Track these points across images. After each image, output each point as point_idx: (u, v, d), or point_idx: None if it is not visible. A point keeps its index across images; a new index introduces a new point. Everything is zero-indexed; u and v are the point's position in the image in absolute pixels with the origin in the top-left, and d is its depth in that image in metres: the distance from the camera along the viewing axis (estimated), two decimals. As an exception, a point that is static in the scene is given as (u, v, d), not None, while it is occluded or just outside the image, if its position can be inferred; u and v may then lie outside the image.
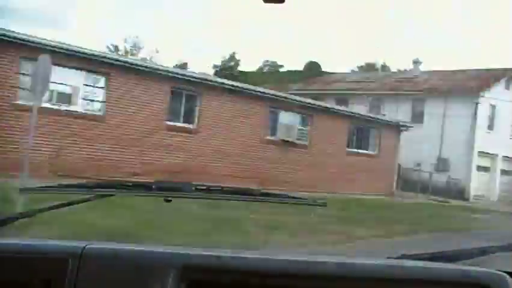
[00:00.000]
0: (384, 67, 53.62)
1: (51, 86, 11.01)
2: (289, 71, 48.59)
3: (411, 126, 25.29)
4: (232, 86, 18.63)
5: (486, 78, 30.57)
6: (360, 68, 56.06)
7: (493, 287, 1.24)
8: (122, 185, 1.89)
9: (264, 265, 1.30)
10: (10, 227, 1.63)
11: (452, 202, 24.09)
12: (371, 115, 25.39)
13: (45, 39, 13.83)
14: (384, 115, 27.30)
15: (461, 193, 28.20)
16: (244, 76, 39.66)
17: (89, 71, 15.01)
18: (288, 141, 19.70)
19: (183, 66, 42.65)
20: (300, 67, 49.40)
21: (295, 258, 1.36)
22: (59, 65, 12.40)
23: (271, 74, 49.86)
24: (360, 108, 27.25)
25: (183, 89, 17.00)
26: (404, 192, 23.66)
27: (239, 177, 15.10)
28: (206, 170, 15.68)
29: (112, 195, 1.83)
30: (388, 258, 1.54)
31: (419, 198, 23.56)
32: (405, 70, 39.14)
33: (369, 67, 54.29)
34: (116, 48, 47.91)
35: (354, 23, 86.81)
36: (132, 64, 16.25)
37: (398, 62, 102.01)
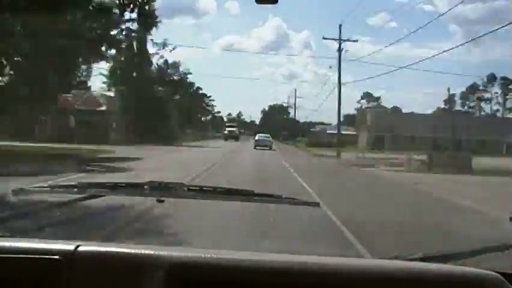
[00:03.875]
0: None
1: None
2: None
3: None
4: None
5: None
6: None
7: (484, 287, 1.25)
8: (115, 185, 1.88)
9: (255, 265, 1.30)
10: (2, 227, 1.62)
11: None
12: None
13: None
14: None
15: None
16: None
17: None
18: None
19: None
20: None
21: (287, 258, 1.36)
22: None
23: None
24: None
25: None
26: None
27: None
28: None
29: (104, 195, 1.82)
30: (381, 258, 1.55)
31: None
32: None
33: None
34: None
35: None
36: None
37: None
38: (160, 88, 52.95)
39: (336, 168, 26.56)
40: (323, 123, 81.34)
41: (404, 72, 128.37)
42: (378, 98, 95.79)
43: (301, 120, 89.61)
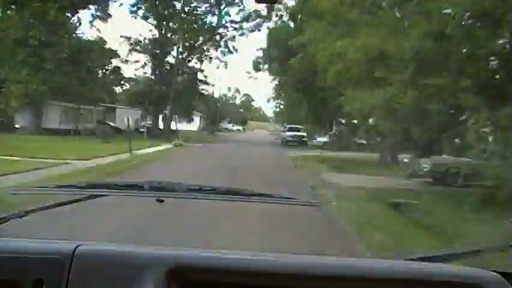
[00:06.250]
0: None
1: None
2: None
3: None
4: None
5: None
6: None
7: (485, 287, 1.25)
8: (114, 185, 1.88)
9: (256, 265, 1.30)
10: (1, 228, 1.62)
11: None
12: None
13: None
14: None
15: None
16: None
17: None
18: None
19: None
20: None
21: (287, 258, 1.36)
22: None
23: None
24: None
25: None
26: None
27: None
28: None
29: (103, 195, 1.82)
30: (381, 258, 1.55)
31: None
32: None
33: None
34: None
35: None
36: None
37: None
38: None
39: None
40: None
41: None
42: None
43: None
